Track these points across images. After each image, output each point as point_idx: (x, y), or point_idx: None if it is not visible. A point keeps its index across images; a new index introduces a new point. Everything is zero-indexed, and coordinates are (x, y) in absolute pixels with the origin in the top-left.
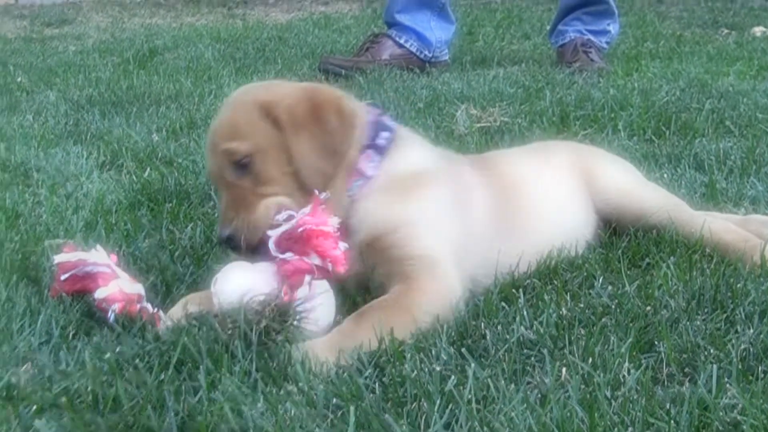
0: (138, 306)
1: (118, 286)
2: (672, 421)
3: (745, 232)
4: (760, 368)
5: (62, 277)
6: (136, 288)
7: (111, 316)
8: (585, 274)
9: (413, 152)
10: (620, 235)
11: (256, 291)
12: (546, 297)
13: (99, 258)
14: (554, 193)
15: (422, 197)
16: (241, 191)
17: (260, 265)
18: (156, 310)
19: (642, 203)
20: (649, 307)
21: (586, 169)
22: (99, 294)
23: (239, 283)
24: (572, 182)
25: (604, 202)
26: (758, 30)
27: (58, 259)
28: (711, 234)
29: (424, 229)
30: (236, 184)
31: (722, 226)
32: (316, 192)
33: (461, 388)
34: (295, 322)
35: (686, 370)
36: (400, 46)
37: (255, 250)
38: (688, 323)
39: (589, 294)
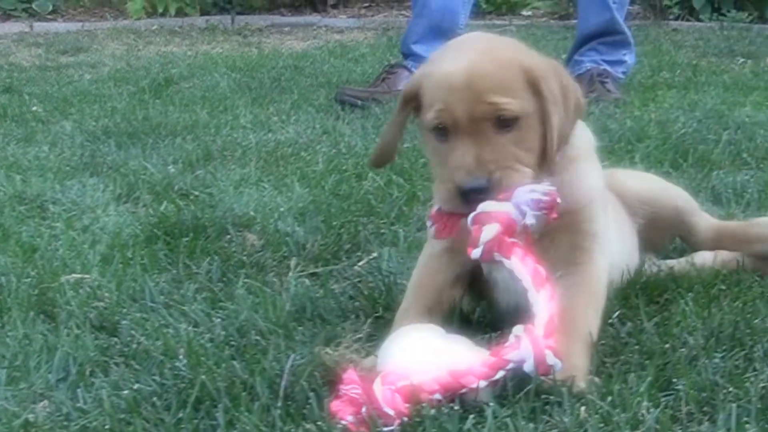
0: None
1: None
2: None
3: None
4: None
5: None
6: None
7: None
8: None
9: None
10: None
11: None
12: None
13: None
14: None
15: (599, 175)
16: (499, 147)
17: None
18: None
19: (673, 192)
20: (667, 345)
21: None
22: None
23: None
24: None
25: (637, 198)
26: None
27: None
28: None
29: (601, 207)
30: (492, 138)
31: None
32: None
33: (480, 427)
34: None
35: (705, 408)
36: None
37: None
38: (706, 361)
39: (608, 331)
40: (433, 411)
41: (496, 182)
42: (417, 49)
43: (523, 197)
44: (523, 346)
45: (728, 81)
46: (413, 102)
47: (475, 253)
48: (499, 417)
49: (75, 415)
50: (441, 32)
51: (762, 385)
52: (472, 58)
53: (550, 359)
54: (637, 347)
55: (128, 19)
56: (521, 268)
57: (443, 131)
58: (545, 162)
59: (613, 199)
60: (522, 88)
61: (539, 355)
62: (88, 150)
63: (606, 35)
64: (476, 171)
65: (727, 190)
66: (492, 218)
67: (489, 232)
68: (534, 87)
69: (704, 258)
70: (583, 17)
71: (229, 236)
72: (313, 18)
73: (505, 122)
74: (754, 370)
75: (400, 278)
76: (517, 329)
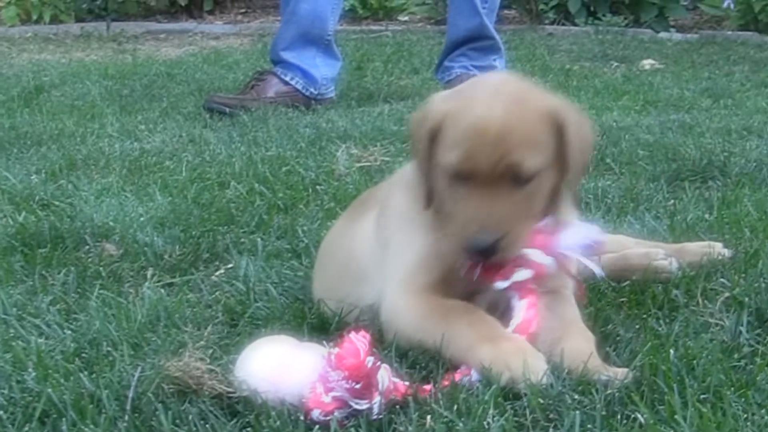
0: None
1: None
2: None
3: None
4: (623, 413)
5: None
6: None
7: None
8: None
9: None
10: None
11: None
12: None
13: None
14: None
15: None
16: (511, 203)
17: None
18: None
19: None
20: None
21: None
22: None
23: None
24: None
25: None
26: (647, 63)
27: None
28: None
29: None
30: (508, 194)
31: None
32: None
33: None
34: None
35: (551, 416)
36: (286, 83)
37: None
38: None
39: None
40: (278, 422)
41: (503, 247)
42: (286, 56)
43: (573, 242)
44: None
45: (599, 85)
46: (434, 136)
47: (500, 285)
48: (346, 426)
49: None
50: (310, 39)
51: (608, 391)
52: (505, 107)
53: None
54: None
55: (2, 26)
56: (524, 308)
57: (460, 176)
58: (553, 208)
59: None
60: (547, 139)
61: None
62: None
63: (476, 41)
64: (488, 231)
65: (588, 195)
66: (530, 265)
67: (521, 275)
68: (558, 133)
69: None
70: (452, 23)
71: (87, 247)
72: (189, 24)
73: (525, 179)
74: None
75: (258, 286)
76: None
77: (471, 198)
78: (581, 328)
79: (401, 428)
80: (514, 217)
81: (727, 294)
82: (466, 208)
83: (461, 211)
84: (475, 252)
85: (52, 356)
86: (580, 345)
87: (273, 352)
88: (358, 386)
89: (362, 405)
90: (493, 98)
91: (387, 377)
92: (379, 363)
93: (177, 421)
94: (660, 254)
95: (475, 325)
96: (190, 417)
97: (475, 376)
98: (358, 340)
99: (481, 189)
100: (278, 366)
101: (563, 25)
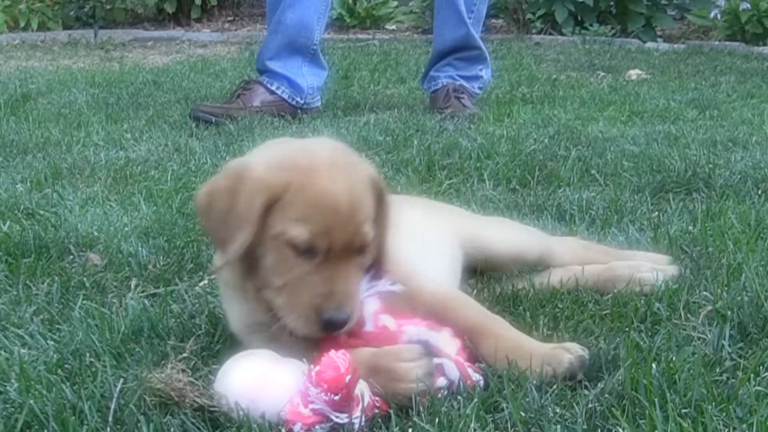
0: None
1: None
2: None
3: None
4: (605, 427)
5: None
6: None
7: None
8: None
9: None
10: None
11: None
12: None
13: None
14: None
15: None
16: (355, 274)
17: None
18: None
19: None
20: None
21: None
22: None
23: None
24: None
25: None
26: (634, 73)
27: None
28: None
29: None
30: (351, 264)
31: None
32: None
33: None
34: None
35: (532, 429)
36: (272, 92)
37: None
38: (534, 382)
39: None
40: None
41: (353, 316)
42: (272, 65)
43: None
44: (447, 371)
45: (586, 96)
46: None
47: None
48: None
49: None
50: (296, 48)
51: (589, 405)
52: (345, 180)
53: (474, 375)
54: None
55: None
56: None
57: (308, 250)
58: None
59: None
60: (372, 205)
61: (465, 373)
62: None
63: (462, 51)
64: (345, 306)
65: (572, 207)
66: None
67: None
68: (378, 198)
69: (548, 275)
70: (438, 33)
71: (71, 257)
72: (177, 32)
73: (364, 248)
74: (585, 387)
75: None
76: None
77: (321, 272)
78: (490, 318)
79: None
80: (356, 290)
81: (709, 307)
82: (317, 283)
83: (310, 285)
84: (331, 326)
85: (34, 367)
86: (514, 341)
87: (251, 368)
88: (337, 398)
89: (342, 419)
90: (331, 170)
91: (367, 393)
92: (358, 379)
93: None
94: (645, 267)
95: None
96: (172, 429)
97: (451, 377)
98: (338, 358)
99: (332, 264)
100: (256, 382)
101: (550, 34)
